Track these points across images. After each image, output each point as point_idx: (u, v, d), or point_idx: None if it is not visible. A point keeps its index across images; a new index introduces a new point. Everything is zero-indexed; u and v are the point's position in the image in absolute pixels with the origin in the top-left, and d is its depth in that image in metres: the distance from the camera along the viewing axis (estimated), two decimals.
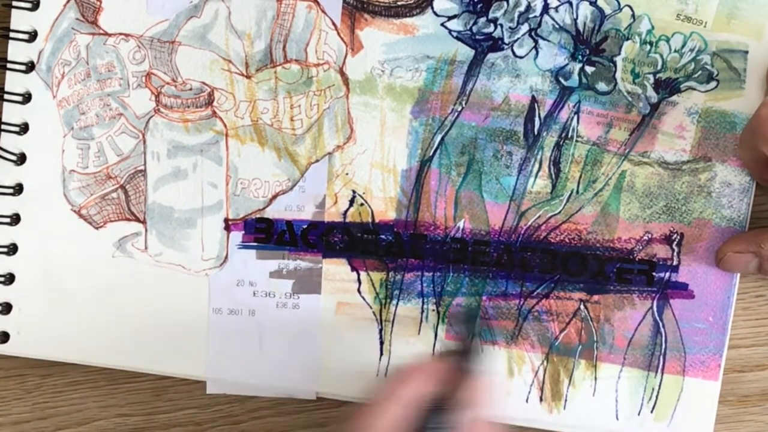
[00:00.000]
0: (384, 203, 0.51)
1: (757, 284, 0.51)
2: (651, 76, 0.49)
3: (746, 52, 0.48)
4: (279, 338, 0.51)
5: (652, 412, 0.51)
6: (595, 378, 0.51)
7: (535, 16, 0.49)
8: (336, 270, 0.51)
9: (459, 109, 0.50)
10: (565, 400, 0.51)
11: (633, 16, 0.48)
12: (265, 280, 0.51)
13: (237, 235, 0.51)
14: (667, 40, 0.48)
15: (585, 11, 0.48)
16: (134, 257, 0.51)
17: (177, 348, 0.52)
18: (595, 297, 0.51)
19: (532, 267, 0.51)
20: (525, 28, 0.49)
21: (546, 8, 0.48)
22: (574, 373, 0.51)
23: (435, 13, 0.49)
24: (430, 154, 0.50)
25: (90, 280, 0.51)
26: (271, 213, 0.51)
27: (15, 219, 0.51)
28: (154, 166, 0.51)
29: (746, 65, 0.48)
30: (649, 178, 0.49)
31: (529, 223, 0.50)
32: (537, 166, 0.50)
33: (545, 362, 0.51)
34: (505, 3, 0.48)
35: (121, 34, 0.50)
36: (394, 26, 0.49)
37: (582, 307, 0.51)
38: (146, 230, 0.51)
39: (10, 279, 0.51)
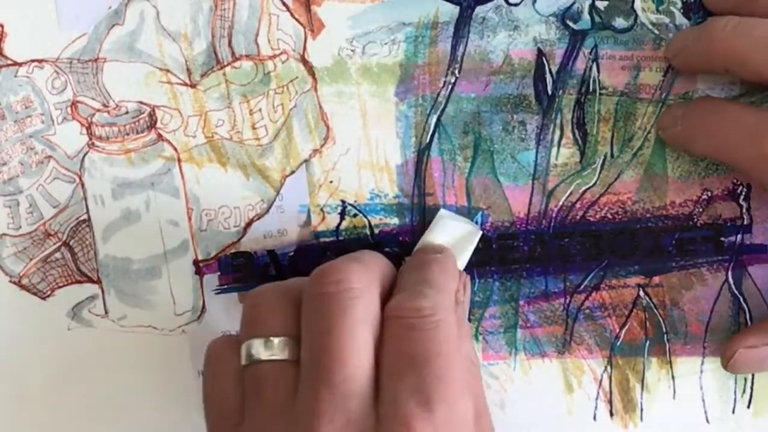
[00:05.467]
0: (382, 209, 0.42)
1: None
2: (678, 0, 0.40)
3: None
4: None
5: (749, 407, 0.42)
6: (673, 377, 0.42)
7: None
8: None
9: (452, 80, 0.41)
10: (642, 410, 0.43)
11: None
12: None
13: (212, 278, 0.43)
14: None
15: None
16: (94, 325, 0.43)
17: (163, 423, 0.43)
18: (656, 279, 0.42)
19: (573, 255, 0.42)
20: None
21: None
22: (646, 376, 0.42)
23: None
24: (427, 140, 0.41)
25: (46, 364, 0.43)
26: (248, 244, 0.42)
27: None
28: (98, 213, 0.42)
29: None
30: None
31: (561, 203, 0.42)
32: (558, 132, 0.41)
33: (609, 368, 0.42)
34: None
35: (33, 60, 0.41)
36: None
37: (642, 293, 0.42)
38: (103, 291, 0.43)
39: None
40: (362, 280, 0.34)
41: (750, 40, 0.36)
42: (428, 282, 0.35)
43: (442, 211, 0.41)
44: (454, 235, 0.40)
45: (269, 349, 0.35)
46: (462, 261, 0.39)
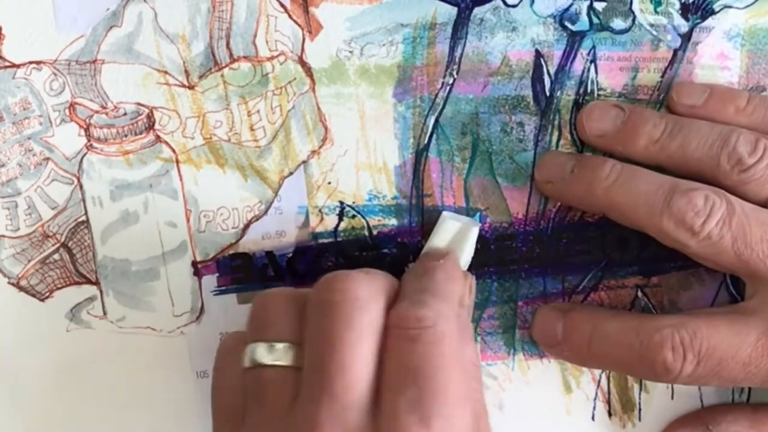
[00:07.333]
0: (380, 210, 0.42)
1: None
2: (676, 1, 0.40)
3: None
4: None
5: None
6: None
7: None
8: None
9: (450, 81, 0.41)
10: (640, 410, 0.43)
11: None
12: None
13: (211, 280, 0.42)
14: None
15: None
16: (93, 327, 0.43)
17: (162, 425, 0.43)
18: (654, 279, 0.42)
19: (572, 256, 0.42)
20: None
21: None
22: None
23: None
24: (425, 141, 0.41)
25: (44, 365, 0.43)
26: (246, 246, 0.42)
27: None
28: (97, 214, 0.42)
29: None
30: None
31: (559, 204, 0.42)
32: (556, 133, 0.41)
33: None
34: None
35: (31, 62, 0.41)
36: None
37: (640, 294, 0.42)
38: (101, 292, 0.43)
39: None
40: (367, 290, 0.34)
41: (631, 195, 0.37)
42: (431, 290, 0.35)
43: (445, 213, 0.40)
44: (456, 236, 0.39)
45: (272, 354, 0.35)
46: (465, 260, 0.39)
